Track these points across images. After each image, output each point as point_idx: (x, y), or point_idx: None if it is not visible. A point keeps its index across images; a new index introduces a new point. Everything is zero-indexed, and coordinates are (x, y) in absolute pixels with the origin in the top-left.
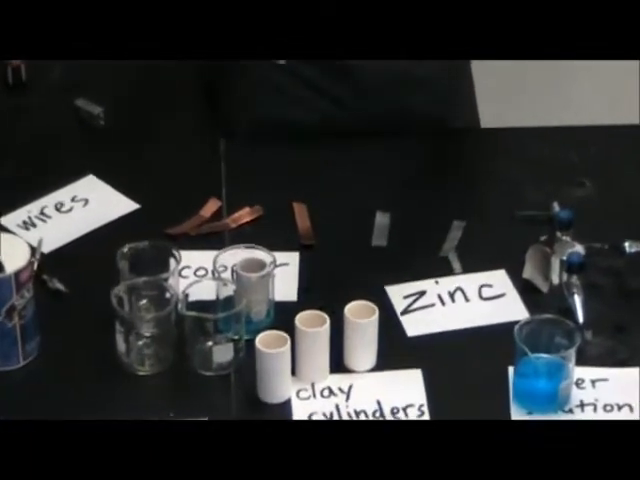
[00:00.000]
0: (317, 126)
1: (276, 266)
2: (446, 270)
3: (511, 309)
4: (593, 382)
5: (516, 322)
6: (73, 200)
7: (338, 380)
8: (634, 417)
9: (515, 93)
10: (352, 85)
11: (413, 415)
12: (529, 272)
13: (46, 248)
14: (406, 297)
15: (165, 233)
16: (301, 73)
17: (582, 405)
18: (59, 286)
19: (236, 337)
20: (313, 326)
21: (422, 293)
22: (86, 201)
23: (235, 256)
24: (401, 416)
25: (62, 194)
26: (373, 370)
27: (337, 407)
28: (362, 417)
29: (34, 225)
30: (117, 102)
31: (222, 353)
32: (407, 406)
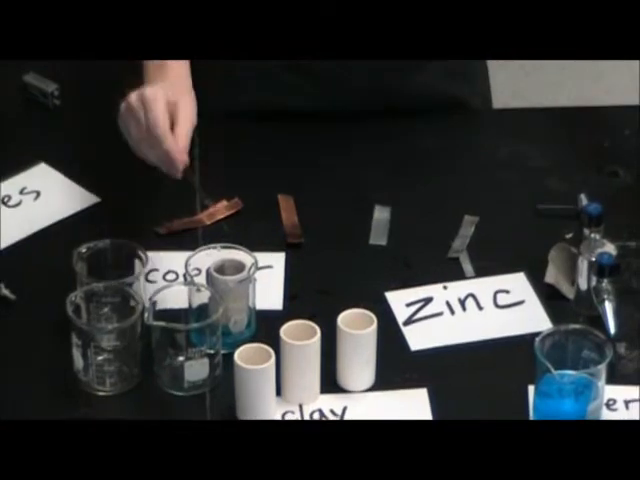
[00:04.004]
0: (304, 108)
1: (258, 269)
2: (456, 273)
3: (531, 318)
4: (627, 403)
5: (537, 334)
6: (22, 192)
7: (330, 401)
8: None
9: (535, 68)
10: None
11: None
12: (552, 276)
13: None
14: (409, 305)
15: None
16: None
17: None
18: (6, 292)
19: (212, 351)
20: (301, 339)
21: (428, 300)
22: (37, 194)
23: (210, 257)
24: None
25: (9, 186)
26: (371, 389)
27: None
28: None
29: None
30: (73, 78)
31: (195, 370)
32: None
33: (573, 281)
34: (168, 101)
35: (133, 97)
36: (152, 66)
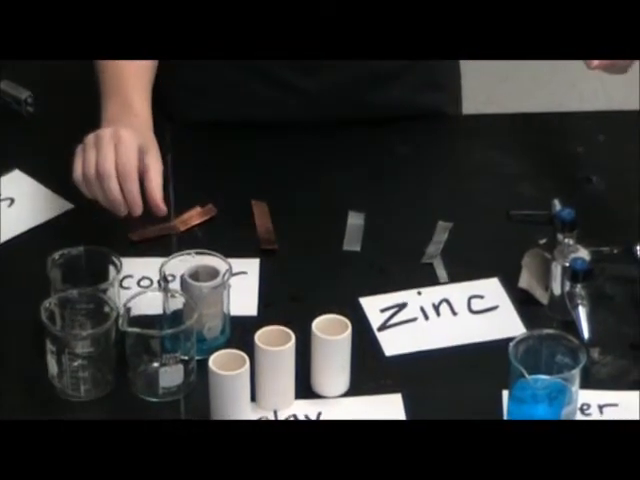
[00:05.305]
0: (281, 118)
1: (232, 275)
2: (430, 279)
3: (505, 324)
4: (600, 408)
5: (511, 339)
6: None
7: (305, 407)
8: None
9: (508, 75)
10: (320, 74)
11: None
12: (526, 281)
13: None
14: (384, 310)
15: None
16: (262, 67)
17: None
18: None
19: (186, 357)
20: (276, 344)
21: (402, 306)
22: (11, 200)
23: (185, 263)
24: None
25: None
26: (345, 395)
27: None
28: None
29: None
30: (47, 85)
31: (170, 376)
32: None
33: (547, 286)
34: (139, 148)
35: (106, 132)
36: (115, 101)
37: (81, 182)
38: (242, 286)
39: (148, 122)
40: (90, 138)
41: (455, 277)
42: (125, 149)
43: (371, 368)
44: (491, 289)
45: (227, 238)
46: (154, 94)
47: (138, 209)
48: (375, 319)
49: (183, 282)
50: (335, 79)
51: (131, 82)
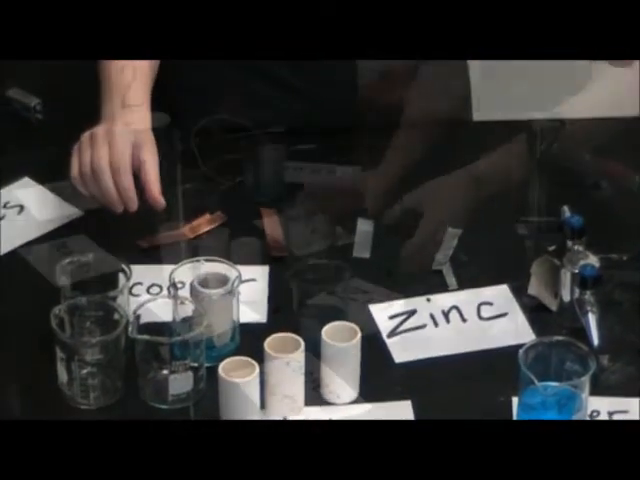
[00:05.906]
0: (289, 124)
1: (242, 282)
2: (439, 285)
3: (515, 330)
4: (610, 414)
5: (520, 345)
6: (5, 207)
7: (314, 414)
8: None
9: (516, 80)
10: (325, 78)
11: None
12: (535, 288)
13: None
14: (393, 317)
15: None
16: (264, 69)
17: None
18: None
19: (195, 364)
20: (285, 351)
21: (412, 312)
22: (21, 208)
23: (194, 271)
24: None
25: None
26: (355, 402)
27: None
28: None
29: None
30: (56, 93)
31: (179, 383)
32: None
33: (556, 293)
34: (134, 144)
35: (100, 130)
36: (115, 99)
37: (78, 180)
38: (251, 293)
39: (146, 119)
40: (85, 137)
41: (464, 284)
42: (118, 146)
43: (380, 375)
44: (500, 296)
45: (236, 245)
46: (161, 99)
47: (133, 204)
48: (385, 326)
49: (192, 289)
50: (338, 82)
51: (130, 80)
